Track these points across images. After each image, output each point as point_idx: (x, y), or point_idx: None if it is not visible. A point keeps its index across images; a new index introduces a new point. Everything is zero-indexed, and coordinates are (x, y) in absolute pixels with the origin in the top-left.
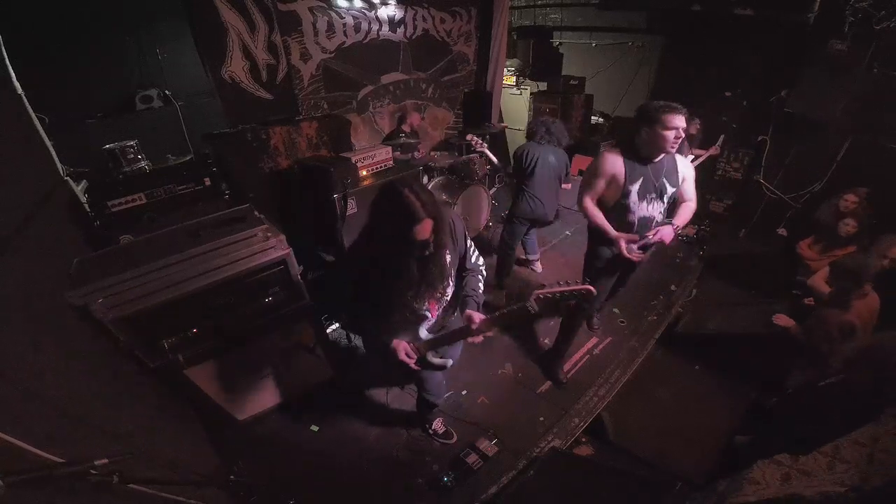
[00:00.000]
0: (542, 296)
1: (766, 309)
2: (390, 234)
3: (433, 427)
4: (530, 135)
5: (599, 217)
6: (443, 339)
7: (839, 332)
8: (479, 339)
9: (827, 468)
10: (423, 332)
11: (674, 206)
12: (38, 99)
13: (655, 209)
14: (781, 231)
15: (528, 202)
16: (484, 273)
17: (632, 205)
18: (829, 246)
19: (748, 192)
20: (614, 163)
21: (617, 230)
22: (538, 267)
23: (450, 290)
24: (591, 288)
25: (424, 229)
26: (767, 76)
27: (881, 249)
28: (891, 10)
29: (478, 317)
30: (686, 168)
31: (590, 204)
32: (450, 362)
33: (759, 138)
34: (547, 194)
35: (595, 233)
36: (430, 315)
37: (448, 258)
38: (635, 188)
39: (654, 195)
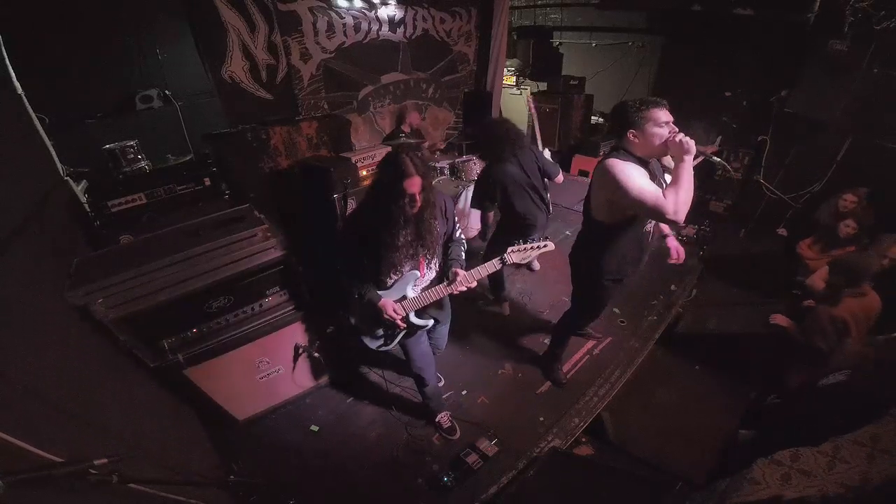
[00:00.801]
0: (514, 251)
1: (766, 309)
2: (386, 189)
3: (439, 419)
4: (490, 154)
5: (689, 183)
6: (427, 296)
7: (833, 329)
8: (463, 288)
9: (827, 468)
10: (410, 292)
11: None
12: (38, 99)
13: None
14: (781, 231)
15: (520, 227)
16: (465, 245)
17: None
18: (828, 246)
19: (748, 192)
20: (636, 168)
21: (631, 245)
22: (535, 265)
23: (436, 262)
24: (552, 244)
25: (414, 183)
26: (767, 76)
27: (881, 249)
28: (891, 10)
29: (460, 271)
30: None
31: (667, 195)
32: (430, 322)
33: (759, 138)
34: (533, 209)
35: (606, 261)
36: (419, 274)
37: (438, 227)
38: None
39: None
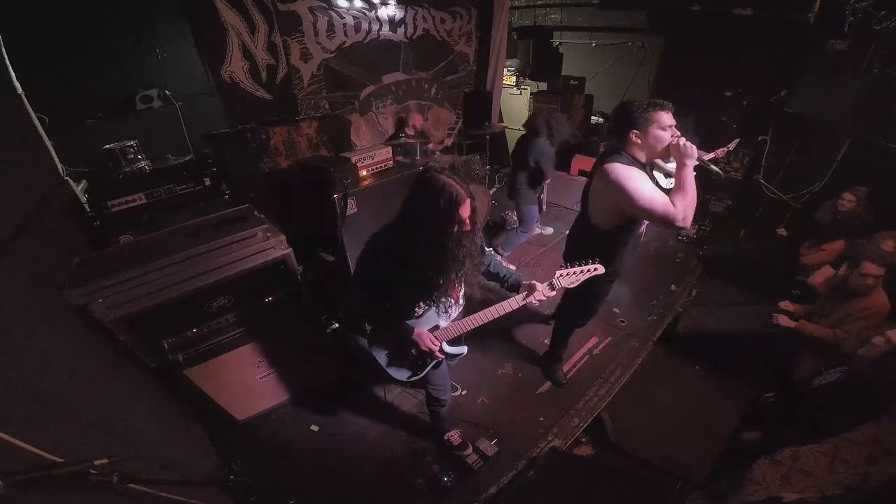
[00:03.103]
0: (563, 274)
1: (766, 309)
2: (435, 218)
3: (448, 437)
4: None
5: (693, 188)
6: (471, 321)
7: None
8: (543, 298)
9: (827, 468)
10: (443, 321)
11: None
12: (38, 99)
13: None
14: (781, 231)
15: None
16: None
17: None
18: (821, 241)
19: (748, 192)
20: (641, 174)
21: (628, 247)
22: (549, 229)
23: (464, 287)
24: (602, 267)
25: (468, 207)
26: (767, 76)
27: (874, 241)
28: (891, 10)
29: (536, 283)
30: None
31: (675, 203)
32: (465, 350)
33: (760, 138)
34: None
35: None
36: (453, 301)
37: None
38: None
39: None
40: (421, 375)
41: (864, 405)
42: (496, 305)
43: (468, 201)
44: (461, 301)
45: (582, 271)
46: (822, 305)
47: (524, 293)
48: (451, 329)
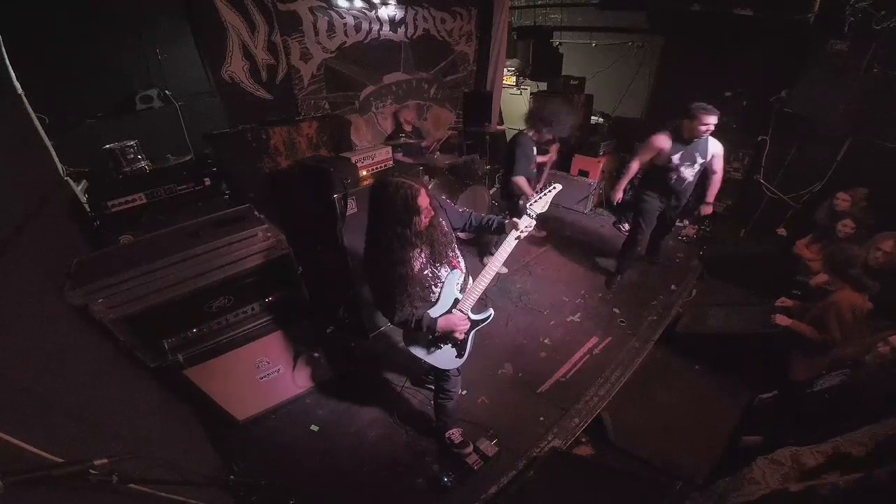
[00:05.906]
0: (533, 202)
1: (766, 309)
2: (400, 216)
3: (449, 435)
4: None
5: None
6: (481, 283)
7: (853, 316)
8: (529, 228)
9: (827, 468)
10: (459, 294)
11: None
12: (38, 99)
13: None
14: (781, 231)
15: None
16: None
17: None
18: (827, 245)
19: (748, 192)
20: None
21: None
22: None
23: (461, 255)
24: (559, 185)
25: (425, 197)
26: (767, 76)
27: (873, 242)
28: (891, 10)
29: (515, 220)
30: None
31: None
32: (491, 312)
33: (759, 138)
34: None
35: None
36: (459, 272)
37: (444, 223)
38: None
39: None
40: (467, 351)
41: (868, 409)
42: (495, 255)
43: (423, 190)
44: (464, 268)
45: (545, 193)
46: (815, 303)
47: (511, 232)
48: (468, 297)
